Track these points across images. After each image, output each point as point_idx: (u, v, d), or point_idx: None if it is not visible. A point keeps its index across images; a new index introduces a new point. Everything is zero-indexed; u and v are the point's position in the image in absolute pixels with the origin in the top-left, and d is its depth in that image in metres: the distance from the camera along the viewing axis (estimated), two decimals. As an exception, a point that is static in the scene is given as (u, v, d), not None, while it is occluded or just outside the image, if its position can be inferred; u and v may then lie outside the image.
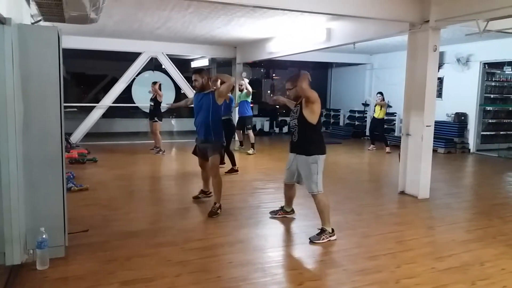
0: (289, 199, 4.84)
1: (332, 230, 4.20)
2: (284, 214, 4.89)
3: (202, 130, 5.04)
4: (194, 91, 5.32)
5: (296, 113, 4.28)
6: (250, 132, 9.83)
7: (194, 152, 5.46)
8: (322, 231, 4.17)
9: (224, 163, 7.74)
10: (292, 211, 4.92)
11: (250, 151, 9.72)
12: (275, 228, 4.63)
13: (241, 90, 9.83)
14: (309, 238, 4.15)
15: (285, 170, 4.60)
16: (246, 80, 10.03)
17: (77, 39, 10.15)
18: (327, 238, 4.13)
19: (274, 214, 4.93)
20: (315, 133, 4.23)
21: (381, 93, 10.80)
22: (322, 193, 4.19)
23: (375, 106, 11.07)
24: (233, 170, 7.51)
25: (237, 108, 10.10)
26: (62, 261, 3.48)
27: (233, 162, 7.57)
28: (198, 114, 5.09)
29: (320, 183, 4.18)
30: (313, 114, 4.15)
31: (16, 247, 3.28)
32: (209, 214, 4.90)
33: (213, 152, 4.99)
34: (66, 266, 3.42)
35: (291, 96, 4.42)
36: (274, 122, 15.04)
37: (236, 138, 10.58)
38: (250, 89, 9.76)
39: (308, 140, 4.19)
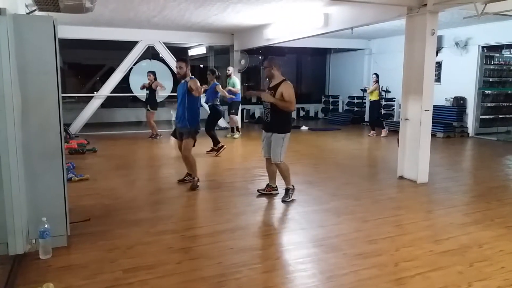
0: (271, 174, 5.27)
1: (293, 186, 5.10)
2: (271, 190, 5.29)
3: (178, 116, 5.51)
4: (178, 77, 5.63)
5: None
6: (234, 117, 10.17)
7: (173, 135, 5.84)
8: (288, 190, 5.03)
9: (224, 146, 7.90)
10: (277, 188, 5.31)
11: (236, 135, 10.08)
12: (275, 215, 4.67)
13: (228, 76, 9.99)
14: (282, 200, 4.98)
15: (261, 145, 5.17)
16: (231, 68, 10.21)
17: (73, 29, 10.08)
18: (292, 194, 5.03)
19: (262, 190, 5.31)
20: (285, 115, 4.94)
21: (376, 74, 10.76)
22: (283, 162, 4.95)
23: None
24: (220, 147, 7.90)
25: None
26: (64, 250, 3.52)
27: (216, 141, 7.95)
28: (178, 101, 5.55)
29: (283, 154, 4.94)
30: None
31: (18, 237, 3.31)
32: (191, 187, 5.47)
33: (187, 136, 5.43)
34: (69, 255, 3.46)
35: (265, 73, 5.06)
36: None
37: (225, 125, 10.86)
38: (238, 87, 9.98)
39: (279, 121, 4.90)
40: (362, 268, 3.26)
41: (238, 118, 10.59)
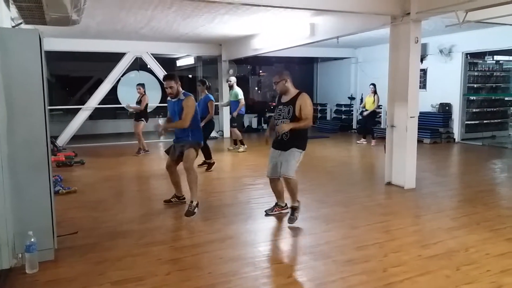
0: (278, 193, 4.80)
1: (298, 201, 4.59)
2: (280, 210, 4.84)
3: (180, 133, 4.97)
4: (169, 98, 5.03)
5: (288, 113, 4.38)
6: (235, 130, 9.79)
7: (167, 151, 5.22)
8: (294, 209, 4.55)
9: (213, 162, 7.75)
10: (287, 207, 4.83)
11: (241, 149, 9.74)
12: (264, 223, 4.67)
13: (230, 87, 9.75)
14: (288, 221, 4.51)
15: (268, 164, 4.64)
16: (233, 79, 9.94)
17: (60, 41, 10.06)
18: (298, 213, 4.55)
19: (270, 211, 4.84)
20: (304, 130, 4.47)
21: (373, 84, 10.82)
22: (295, 178, 4.44)
23: (366, 98, 11.11)
24: (210, 164, 7.58)
25: (228, 107, 10.14)
26: (51, 264, 3.48)
27: (208, 156, 7.63)
28: (174, 120, 4.96)
29: (294, 169, 4.42)
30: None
31: (4, 251, 3.26)
32: (186, 214, 4.73)
33: (189, 147, 4.84)
34: (56, 268, 3.42)
35: (278, 89, 4.49)
36: (262, 118, 15.08)
37: (227, 136, 10.67)
38: (241, 98, 9.62)
39: (298, 138, 4.41)
40: (351, 275, 3.28)
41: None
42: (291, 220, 4.49)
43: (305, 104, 4.34)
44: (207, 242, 4.04)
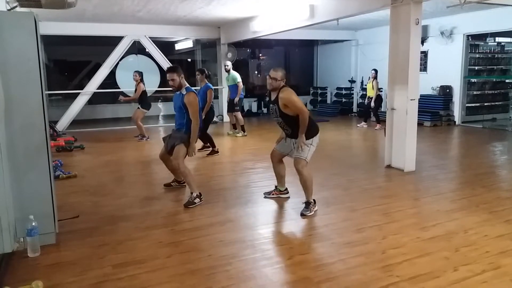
0: (279, 176, 4.78)
1: (314, 200, 4.39)
2: (278, 194, 4.86)
3: (178, 123, 4.91)
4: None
5: (276, 112, 4.28)
6: (238, 114, 9.74)
7: (164, 139, 5.13)
8: (308, 203, 4.33)
9: (217, 150, 7.72)
10: (286, 191, 4.87)
11: (240, 134, 9.71)
12: (265, 206, 4.69)
13: (227, 71, 9.71)
14: (301, 214, 4.27)
15: (279, 141, 4.61)
16: (229, 63, 9.88)
17: (57, 25, 9.95)
18: (313, 208, 4.33)
19: (268, 194, 4.90)
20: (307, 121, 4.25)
21: (375, 70, 10.72)
22: (308, 169, 4.28)
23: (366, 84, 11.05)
24: (213, 152, 7.57)
25: (226, 91, 10.07)
26: (53, 247, 3.51)
27: (212, 144, 7.62)
28: (175, 111, 4.90)
29: (310, 155, 4.29)
30: (292, 111, 4.21)
31: (6, 235, 3.27)
32: (186, 204, 4.62)
33: (180, 142, 4.73)
34: (58, 252, 3.45)
35: (271, 85, 4.26)
36: (262, 102, 15.01)
37: (227, 120, 10.63)
38: (239, 81, 9.54)
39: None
40: (350, 257, 3.30)
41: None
42: (304, 213, 4.25)
43: (291, 101, 4.13)
44: (208, 225, 4.06)
